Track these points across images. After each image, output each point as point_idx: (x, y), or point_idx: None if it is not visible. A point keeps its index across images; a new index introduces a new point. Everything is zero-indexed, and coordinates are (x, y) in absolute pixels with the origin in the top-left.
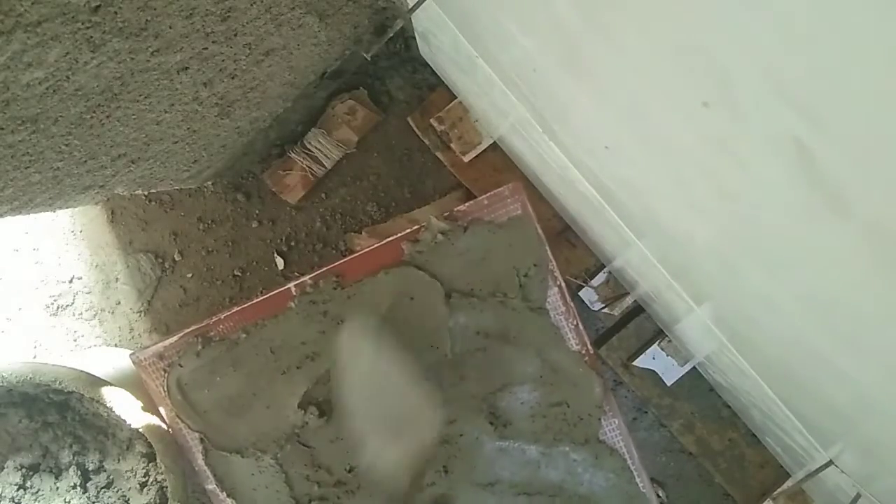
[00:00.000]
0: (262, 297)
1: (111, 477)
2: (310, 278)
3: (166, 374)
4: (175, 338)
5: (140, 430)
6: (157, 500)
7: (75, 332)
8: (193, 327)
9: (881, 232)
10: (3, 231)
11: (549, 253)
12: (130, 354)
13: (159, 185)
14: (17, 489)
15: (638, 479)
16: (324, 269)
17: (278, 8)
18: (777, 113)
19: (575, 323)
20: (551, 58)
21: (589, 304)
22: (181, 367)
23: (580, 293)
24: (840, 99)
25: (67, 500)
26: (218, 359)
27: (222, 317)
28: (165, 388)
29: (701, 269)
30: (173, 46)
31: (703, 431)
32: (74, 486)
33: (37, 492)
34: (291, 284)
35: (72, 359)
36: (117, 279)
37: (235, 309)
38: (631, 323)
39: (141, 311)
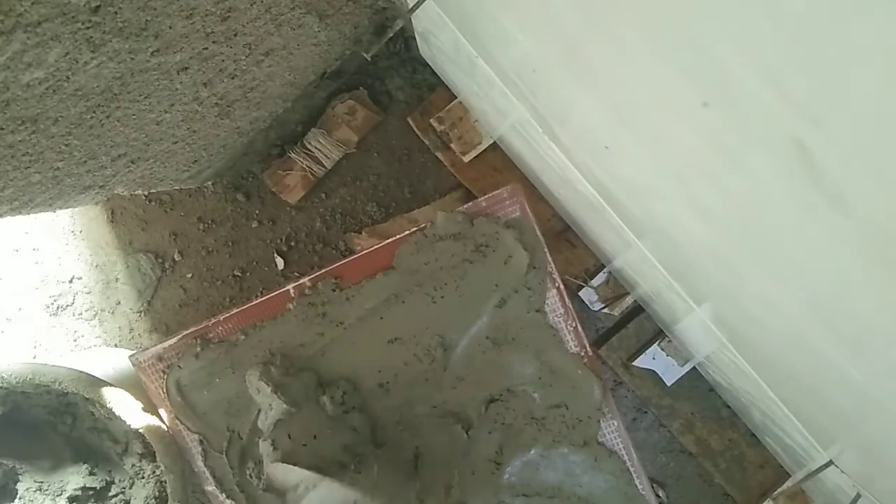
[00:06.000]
0: (260, 299)
1: (111, 477)
2: (308, 280)
3: (165, 376)
4: (174, 339)
5: (140, 430)
6: (157, 500)
7: (75, 332)
8: (192, 329)
9: (881, 232)
10: (3, 231)
11: (548, 255)
12: (129, 356)
13: (159, 185)
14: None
15: (637, 481)
16: (322, 270)
17: (278, 8)
18: (777, 113)
19: (574, 325)
20: (551, 58)
21: (589, 304)
22: (180, 368)
23: (580, 293)
24: (840, 99)
25: (70, 499)
26: (217, 360)
27: (221, 318)
28: (164, 390)
29: (701, 270)
30: (173, 46)
31: (703, 431)
32: (76, 487)
33: (38, 490)
34: (290, 286)
35: (72, 359)
36: (117, 279)
37: (234, 311)
38: (631, 323)
39: (141, 311)
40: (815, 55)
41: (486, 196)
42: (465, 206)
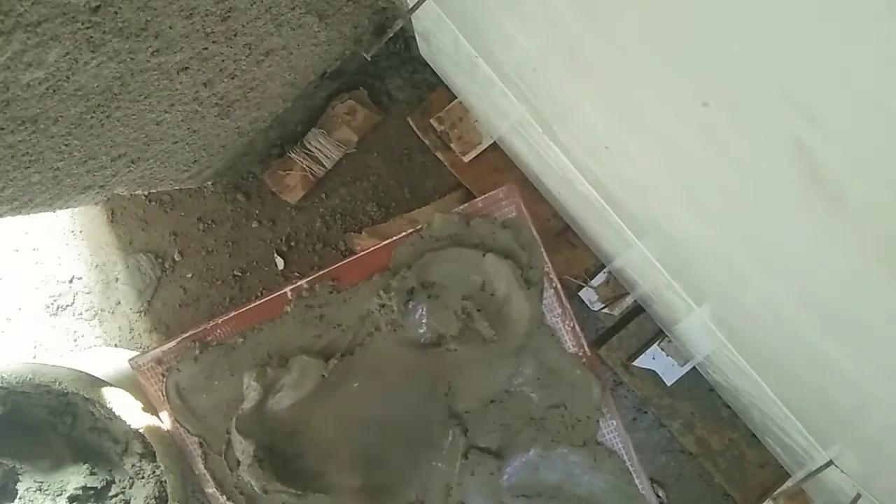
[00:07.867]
0: (258, 302)
1: (112, 477)
2: (306, 282)
3: (164, 379)
4: (173, 342)
5: (140, 430)
6: (157, 500)
7: (75, 332)
8: (191, 332)
9: (881, 232)
10: (3, 231)
11: (544, 255)
12: (129, 359)
13: (159, 185)
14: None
15: (637, 481)
16: (320, 273)
17: (278, 8)
18: (777, 113)
19: (572, 325)
20: (551, 58)
21: (589, 304)
22: (179, 371)
23: (580, 293)
24: (840, 99)
25: (70, 499)
26: (216, 363)
27: (219, 321)
28: (164, 393)
29: (701, 269)
30: (173, 46)
31: (703, 431)
32: (76, 487)
33: (38, 490)
34: (287, 289)
35: (72, 359)
36: (117, 279)
37: (232, 313)
38: (631, 323)
39: (141, 311)
40: (815, 55)
41: (483, 197)
42: (462, 207)
